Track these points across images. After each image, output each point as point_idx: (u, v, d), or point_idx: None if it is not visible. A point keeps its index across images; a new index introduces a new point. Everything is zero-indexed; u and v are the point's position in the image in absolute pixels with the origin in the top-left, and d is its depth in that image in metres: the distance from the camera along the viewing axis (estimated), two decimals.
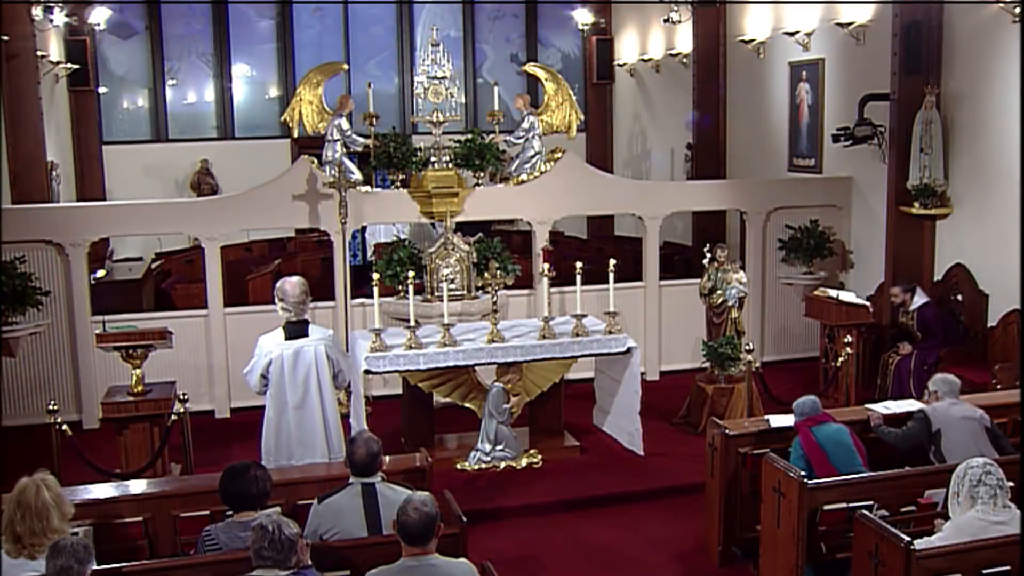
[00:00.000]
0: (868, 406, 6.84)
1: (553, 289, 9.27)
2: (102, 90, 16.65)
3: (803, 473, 5.75)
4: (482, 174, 10.18)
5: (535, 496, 7.64)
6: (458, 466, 8.09)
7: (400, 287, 9.23)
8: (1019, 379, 7.45)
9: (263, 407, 6.54)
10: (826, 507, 5.69)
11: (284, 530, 4.11)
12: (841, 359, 8.67)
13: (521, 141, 10.37)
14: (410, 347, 7.86)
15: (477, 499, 7.29)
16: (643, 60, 16.30)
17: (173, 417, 7.22)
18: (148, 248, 15.02)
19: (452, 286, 9.08)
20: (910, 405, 6.83)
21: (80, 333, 9.44)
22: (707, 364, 9.27)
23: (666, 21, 13.96)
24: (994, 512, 4.69)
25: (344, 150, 10.10)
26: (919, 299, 9.09)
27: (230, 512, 4.85)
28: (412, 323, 7.95)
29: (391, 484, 5.03)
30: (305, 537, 4.53)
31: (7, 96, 11.49)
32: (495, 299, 8.21)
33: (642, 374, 9.23)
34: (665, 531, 7.10)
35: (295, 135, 11.69)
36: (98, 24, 15.30)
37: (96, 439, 8.52)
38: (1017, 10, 8.52)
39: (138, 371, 7.41)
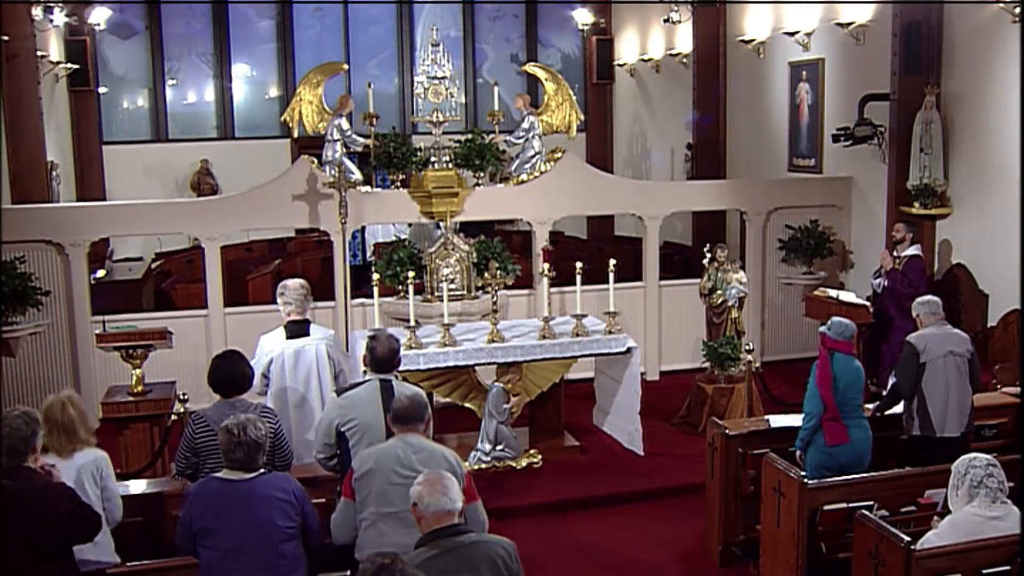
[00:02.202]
0: (867, 406, 6.83)
1: (553, 289, 9.27)
2: (102, 90, 16.65)
3: (803, 473, 5.76)
4: (482, 174, 10.18)
5: (535, 496, 7.64)
6: None
7: (400, 287, 9.23)
8: (1019, 379, 7.44)
9: None
10: (826, 507, 5.69)
11: (249, 432, 4.36)
12: None
13: (521, 141, 10.37)
14: (410, 347, 7.85)
15: None
16: (643, 60, 16.30)
17: (173, 417, 7.21)
18: (148, 248, 15.02)
19: (452, 286, 9.08)
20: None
21: (80, 333, 9.44)
22: (707, 364, 9.27)
23: (666, 21, 13.96)
24: (990, 508, 4.70)
25: (344, 150, 10.10)
26: (914, 249, 9.11)
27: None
28: (412, 323, 7.95)
29: (406, 383, 5.40)
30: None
31: (7, 96, 11.48)
32: (495, 299, 8.20)
33: (642, 374, 9.22)
34: (665, 531, 7.10)
35: (295, 135, 11.69)
36: (98, 24, 15.31)
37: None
38: (1017, 10, 8.53)
39: (138, 371, 7.40)
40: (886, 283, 9.13)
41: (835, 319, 6.35)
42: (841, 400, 6.09)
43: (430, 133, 9.80)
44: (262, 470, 4.47)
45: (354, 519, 4.58)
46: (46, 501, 4.25)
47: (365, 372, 5.64)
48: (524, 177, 10.31)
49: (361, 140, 10.17)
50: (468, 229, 10.70)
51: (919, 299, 6.68)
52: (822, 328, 6.37)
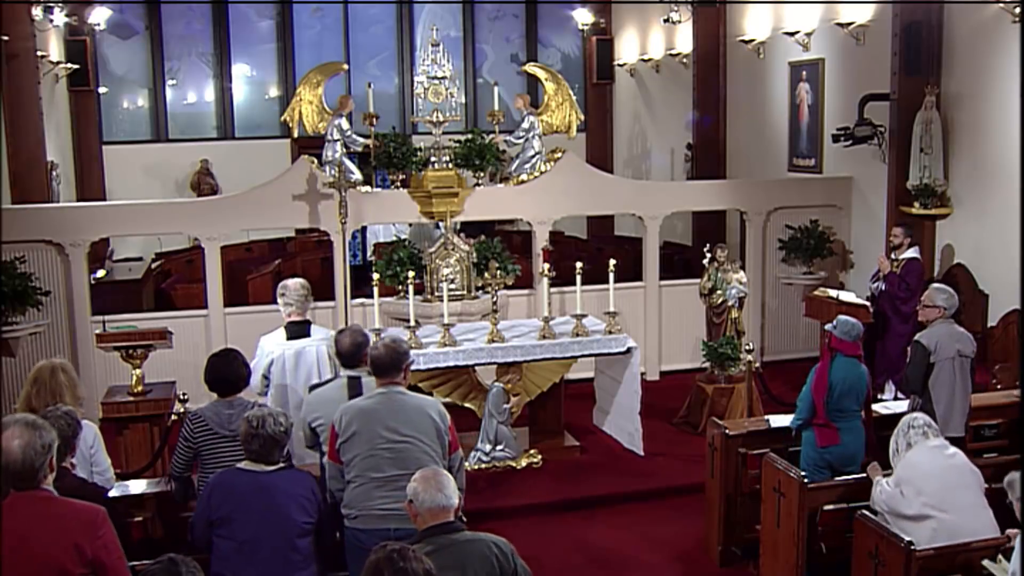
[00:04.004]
0: (882, 397, 6.84)
1: (553, 289, 9.26)
2: (102, 90, 16.65)
3: (803, 472, 5.76)
4: (482, 174, 10.18)
5: (535, 496, 7.64)
6: None
7: (400, 287, 9.23)
8: (1019, 379, 7.45)
9: None
10: (826, 507, 5.69)
11: (267, 426, 4.40)
12: None
13: (521, 141, 10.37)
14: (410, 347, 7.84)
15: (477, 499, 7.27)
16: (643, 60, 16.31)
17: (173, 417, 7.22)
18: (148, 248, 15.02)
19: (452, 286, 9.07)
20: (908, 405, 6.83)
21: (80, 333, 9.44)
22: (707, 364, 9.27)
23: (666, 21, 13.97)
24: (927, 441, 5.14)
25: (344, 150, 10.10)
26: (913, 251, 9.07)
27: None
28: (412, 323, 7.95)
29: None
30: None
31: (7, 96, 11.49)
32: (495, 299, 8.21)
33: (642, 374, 9.22)
34: (665, 531, 7.10)
35: (295, 135, 11.69)
36: (98, 24, 15.32)
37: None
38: (1017, 10, 8.53)
39: (138, 371, 7.40)
40: (883, 287, 9.12)
41: (842, 317, 6.30)
42: (834, 407, 6.07)
43: (430, 133, 9.79)
44: (282, 464, 4.51)
45: (340, 480, 4.70)
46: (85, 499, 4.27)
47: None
48: (524, 177, 10.31)
49: (361, 140, 10.17)
50: (468, 229, 10.70)
51: (941, 287, 6.57)
52: (828, 326, 6.33)
